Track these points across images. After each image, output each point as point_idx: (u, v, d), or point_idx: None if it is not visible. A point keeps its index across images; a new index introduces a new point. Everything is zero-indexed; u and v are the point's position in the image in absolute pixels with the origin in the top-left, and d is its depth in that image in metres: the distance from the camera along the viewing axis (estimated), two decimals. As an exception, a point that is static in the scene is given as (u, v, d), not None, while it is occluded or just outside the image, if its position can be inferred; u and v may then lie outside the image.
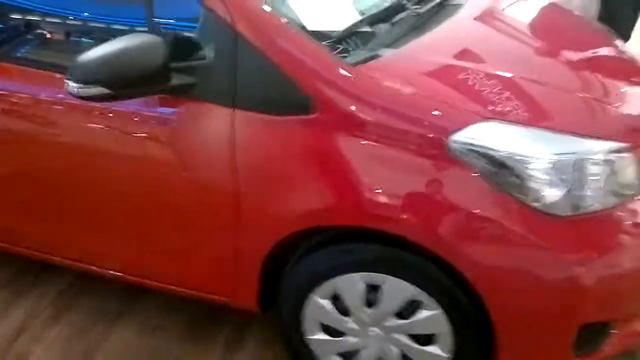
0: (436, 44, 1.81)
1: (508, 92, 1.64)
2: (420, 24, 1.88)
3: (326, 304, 1.76)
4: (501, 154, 1.47)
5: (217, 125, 1.69)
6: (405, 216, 1.53)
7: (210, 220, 1.79)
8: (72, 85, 1.56)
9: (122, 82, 1.57)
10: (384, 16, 1.88)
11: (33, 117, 1.95)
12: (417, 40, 1.79)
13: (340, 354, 1.85)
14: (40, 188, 2.07)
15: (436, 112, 1.53)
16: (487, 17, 2.13)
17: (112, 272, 2.13)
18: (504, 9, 2.25)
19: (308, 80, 1.58)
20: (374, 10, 1.92)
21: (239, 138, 1.66)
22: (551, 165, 1.47)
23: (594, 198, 1.51)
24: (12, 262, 2.49)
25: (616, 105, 1.74)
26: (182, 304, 2.21)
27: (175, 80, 1.65)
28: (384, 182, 1.55)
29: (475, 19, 2.08)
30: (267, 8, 1.64)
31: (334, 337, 1.82)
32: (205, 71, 1.66)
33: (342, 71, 1.59)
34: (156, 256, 2.02)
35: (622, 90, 1.86)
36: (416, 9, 1.94)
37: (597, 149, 1.53)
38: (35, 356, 2.14)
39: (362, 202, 1.57)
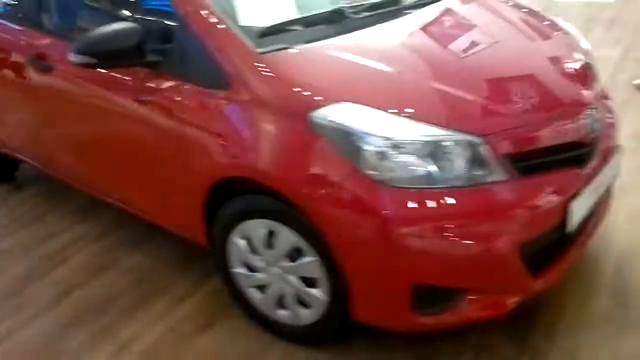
0: (344, 43, 2.17)
1: (376, 83, 1.98)
2: (350, 28, 2.26)
3: (241, 243, 2.22)
4: (347, 128, 1.84)
5: (173, 94, 2.22)
6: (275, 172, 1.96)
7: (171, 163, 2.33)
8: (71, 55, 2.21)
9: (105, 55, 2.18)
10: (314, 19, 2.29)
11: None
12: (332, 40, 2.16)
13: (257, 287, 2.31)
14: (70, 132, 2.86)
15: (305, 93, 1.93)
16: (418, 25, 2.42)
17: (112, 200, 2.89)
18: (441, 20, 2.52)
19: (227, 63, 2.06)
20: (307, 13, 2.33)
21: (185, 104, 2.19)
22: (386, 143, 1.80)
23: (418, 178, 1.81)
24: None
25: (478, 99, 1.98)
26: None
27: (149, 57, 2.22)
28: (264, 144, 1.99)
29: (404, 25, 2.38)
30: (210, 5, 2.15)
31: (250, 272, 2.28)
32: (168, 52, 2.20)
33: (248, 58, 2.04)
34: (140, 192, 2.67)
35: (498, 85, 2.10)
36: (352, 14, 2.32)
37: (421, 134, 1.82)
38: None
39: (248, 159, 2.02)
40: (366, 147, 1.82)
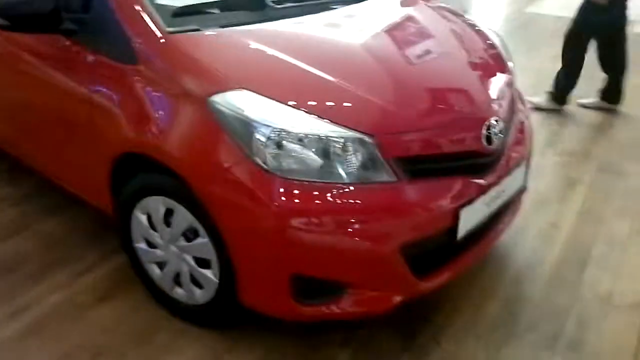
0: (258, 32, 2.19)
1: (280, 74, 2.00)
2: (269, 17, 2.28)
3: (143, 218, 2.24)
4: (241, 116, 1.86)
5: (84, 65, 2.22)
6: (171, 151, 1.97)
7: (81, 131, 2.33)
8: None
9: (18, 18, 2.17)
10: (233, 3, 2.33)
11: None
12: (246, 27, 2.19)
13: (156, 264, 2.32)
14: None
15: (206, 77, 1.95)
16: (338, 21, 2.45)
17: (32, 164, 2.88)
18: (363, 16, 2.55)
19: (136, 38, 2.07)
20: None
21: (96, 75, 2.19)
22: (277, 134, 1.83)
23: (305, 171, 1.85)
24: None
25: (376, 100, 2.00)
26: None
27: (65, 25, 2.21)
28: (163, 123, 1.99)
29: (323, 20, 2.42)
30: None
31: (150, 248, 2.30)
32: (84, 22, 2.20)
33: (156, 36, 2.05)
34: (55, 159, 2.68)
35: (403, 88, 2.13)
36: (274, 2, 2.34)
37: (313, 128, 1.85)
38: None
39: (147, 136, 2.03)
40: (257, 136, 1.84)
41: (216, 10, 2.24)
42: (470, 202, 2.08)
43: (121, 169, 2.24)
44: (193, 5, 2.20)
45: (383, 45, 2.32)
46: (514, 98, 2.49)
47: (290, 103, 1.90)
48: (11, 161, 3.27)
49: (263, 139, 1.84)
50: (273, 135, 1.84)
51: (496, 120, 2.17)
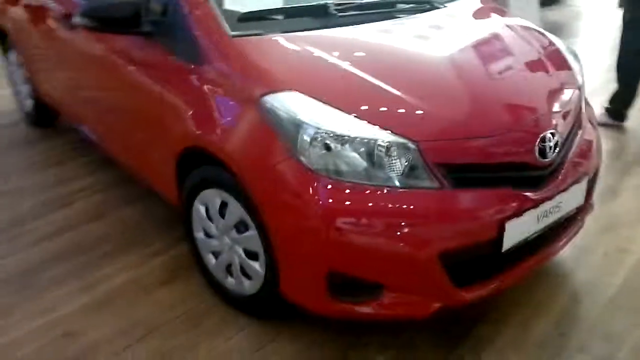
0: (317, 37, 2.27)
1: (332, 79, 2.07)
2: (330, 24, 2.36)
3: (202, 209, 2.39)
4: (289, 115, 1.95)
5: (159, 63, 2.41)
6: (225, 146, 2.09)
7: (153, 126, 2.53)
8: (76, 16, 2.43)
9: (104, 20, 2.39)
10: (297, 11, 2.44)
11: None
12: (307, 32, 2.28)
13: (212, 253, 2.46)
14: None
15: (261, 77, 2.06)
16: (399, 31, 2.48)
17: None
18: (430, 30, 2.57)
19: (203, 40, 2.22)
20: (293, 4, 2.49)
21: (167, 74, 2.37)
22: (322, 134, 1.90)
23: (349, 172, 1.90)
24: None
25: (425, 107, 2.02)
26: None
27: (144, 28, 2.41)
28: (220, 120, 2.13)
29: (385, 29, 2.45)
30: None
31: (207, 238, 2.44)
32: (161, 24, 2.39)
33: (220, 39, 2.19)
34: (130, 150, 2.91)
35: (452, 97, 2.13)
36: (337, 10, 2.41)
37: (359, 131, 1.90)
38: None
39: (206, 131, 2.17)
40: (304, 136, 1.92)
41: (280, 17, 2.36)
42: (517, 215, 2.05)
43: (186, 163, 2.41)
44: (258, 11, 2.33)
45: (441, 53, 2.34)
46: (579, 113, 2.43)
47: (338, 106, 1.97)
48: (99, 153, 3.57)
49: (309, 139, 1.92)
50: (318, 135, 1.92)
51: (552, 134, 2.13)
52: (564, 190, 2.20)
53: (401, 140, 1.93)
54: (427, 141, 1.95)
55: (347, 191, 1.91)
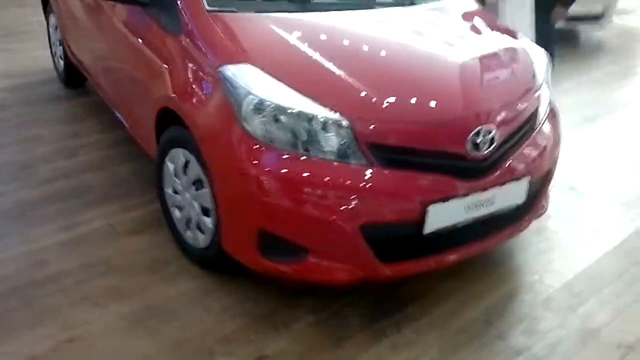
0: (285, 19, 2.49)
1: (286, 57, 2.29)
2: (305, 8, 2.55)
3: (171, 167, 2.62)
4: (237, 84, 2.16)
5: (150, 32, 2.68)
6: (186, 109, 2.33)
7: (143, 86, 2.79)
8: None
9: None
10: None
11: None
12: (278, 14, 2.48)
13: (177, 207, 2.69)
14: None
15: (222, 50, 2.29)
16: (369, 20, 2.67)
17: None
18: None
19: (183, 13, 2.47)
20: None
21: (156, 43, 2.65)
22: (258, 106, 2.11)
23: (286, 142, 2.09)
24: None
25: (366, 89, 2.20)
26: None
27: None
28: (186, 84, 2.37)
29: (354, 17, 2.66)
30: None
31: (174, 193, 2.68)
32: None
33: (196, 13, 2.43)
34: (128, 109, 3.21)
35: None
36: None
37: (297, 105, 2.10)
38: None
39: (175, 94, 2.42)
40: (247, 104, 2.13)
41: (257, -1, 2.59)
42: (442, 200, 2.19)
43: (162, 122, 2.65)
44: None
45: (399, 44, 2.49)
46: (534, 114, 2.53)
47: (285, 81, 2.17)
48: (110, 114, 3.88)
49: (252, 107, 2.12)
50: (261, 106, 2.11)
51: (489, 130, 2.25)
52: (498, 186, 2.32)
53: (336, 117, 2.10)
54: (360, 120, 2.11)
55: (281, 158, 2.10)
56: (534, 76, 2.62)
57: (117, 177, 3.32)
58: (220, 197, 2.26)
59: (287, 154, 2.10)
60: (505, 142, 2.35)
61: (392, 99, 2.20)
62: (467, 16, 3.00)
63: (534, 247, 2.93)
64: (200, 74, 2.34)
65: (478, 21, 2.94)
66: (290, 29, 2.40)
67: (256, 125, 2.12)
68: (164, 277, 2.57)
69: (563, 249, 2.95)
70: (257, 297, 2.47)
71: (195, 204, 2.51)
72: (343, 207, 2.10)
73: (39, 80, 4.73)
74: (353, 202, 2.11)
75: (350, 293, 2.48)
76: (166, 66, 2.54)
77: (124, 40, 2.97)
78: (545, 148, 2.56)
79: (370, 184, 2.12)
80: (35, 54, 5.02)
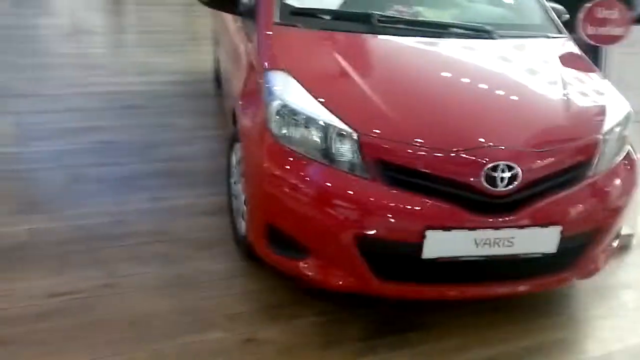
0: (341, 38, 2.69)
1: (322, 70, 2.49)
2: (367, 30, 2.68)
3: (234, 158, 2.91)
4: (268, 87, 2.39)
5: (244, 35, 3.05)
6: (237, 106, 2.64)
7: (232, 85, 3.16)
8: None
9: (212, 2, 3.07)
10: (341, 14, 2.86)
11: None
12: (336, 33, 2.68)
13: (235, 197, 2.96)
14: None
15: (269, 56, 2.54)
16: (417, 48, 2.74)
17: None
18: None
19: (258, 23, 2.78)
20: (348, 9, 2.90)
21: (243, 53, 2.98)
22: (281, 110, 2.30)
23: (300, 145, 2.25)
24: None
25: (384, 108, 2.30)
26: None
27: (239, 8, 3.02)
28: (244, 83, 2.71)
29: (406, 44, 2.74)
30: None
31: (234, 184, 2.96)
32: (246, 7, 2.96)
33: (267, 24, 2.72)
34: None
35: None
36: (378, 21, 2.73)
37: (314, 113, 2.26)
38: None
39: (238, 92, 2.76)
40: (272, 107, 2.34)
41: (326, 16, 2.78)
42: (442, 228, 2.17)
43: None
44: (307, 8, 2.80)
45: (440, 74, 2.51)
46: (584, 163, 2.37)
47: (312, 91, 2.35)
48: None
49: (275, 110, 2.33)
50: (283, 108, 2.32)
51: (509, 167, 2.17)
52: (516, 228, 2.22)
53: (347, 129, 2.22)
54: (367, 135, 2.21)
55: (292, 159, 2.28)
56: (593, 124, 2.44)
57: (218, 166, 3.71)
58: (246, 189, 2.50)
59: (300, 157, 2.27)
60: (533, 184, 2.24)
61: (406, 120, 2.26)
62: (545, 55, 2.89)
63: (590, 311, 2.69)
64: (254, 78, 2.62)
65: (552, 61, 2.82)
66: (338, 47, 2.59)
67: (276, 126, 2.32)
68: (208, 255, 2.87)
69: (622, 319, 2.66)
70: (276, 288, 2.64)
71: (242, 195, 2.77)
72: (340, 216, 2.21)
73: (199, 79, 5.41)
74: (350, 213, 2.20)
75: (363, 306, 2.54)
76: (244, 68, 2.86)
77: (230, 47, 3.38)
78: (595, 202, 2.37)
79: (369, 197, 2.19)
80: (204, 57, 5.75)
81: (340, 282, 2.31)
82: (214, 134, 4.24)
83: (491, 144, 2.23)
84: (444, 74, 2.56)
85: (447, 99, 2.42)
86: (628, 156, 2.58)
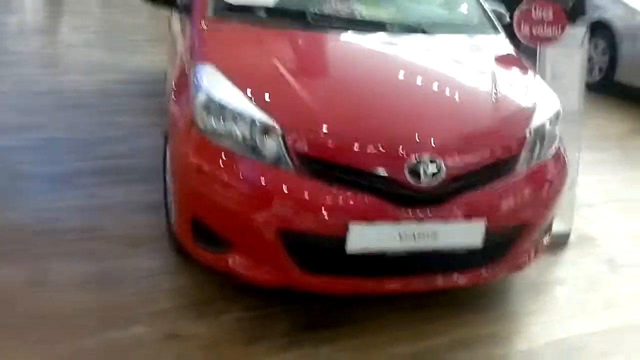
0: (271, 33, 2.70)
1: (249, 63, 2.45)
2: (299, 27, 2.70)
3: (168, 154, 2.87)
4: (195, 81, 2.36)
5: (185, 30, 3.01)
6: (171, 94, 2.65)
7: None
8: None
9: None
10: (275, 11, 2.83)
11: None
12: (268, 29, 2.70)
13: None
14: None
15: (197, 53, 2.53)
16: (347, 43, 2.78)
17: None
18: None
19: (193, 18, 2.78)
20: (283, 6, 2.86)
21: (180, 47, 2.95)
22: (207, 103, 2.27)
23: (224, 139, 2.23)
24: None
25: (309, 103, 2.30)
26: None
27: (177, 4, 3.01)
28: (178, 79, 2.68)
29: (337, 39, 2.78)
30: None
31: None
32: (185, 3, 2.95)
33: (203, 17, 2.72)
34: None
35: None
36: (312, 19, 2.74)
37: (238, 106, 2.24)
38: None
39: (172, 86, 2.74)
40: (198, 99, 2.32)
41: (261, 13, 2.78)
42: (366, 220, 2.16)
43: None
44: (244, 5, 2.80)
45: (367, 67, 2.52)
46: (512, 159, 2.38)
47: (238, 84, 2.32)
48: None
49: (200, 103, 2.31)
50: (208, 102, 2.29)
51: (432, 161, 2.18)
52: (440, 221, 2.22)
53: (271, 123, 2.20)
54: (291, 129, 2.19)
55: (217, 153, 2.25)
56: (521, 121, 2.47)
57: (159, 163, 3.65)
58: (174, 183, 2.47)
59: (225, 152, 2.24)
60: (458, 178, 2.25)
61: (330, 114, 2.25)
62: (478, 53, 2.93)
63: (524, 307, 2.71)
64: (185, 71, 2.59)
65: (485, 59, 2.85)
66: (272, 43, 2.59)
67: (204, 121, 2.29)
68: (140, 252, 2.81)
69: (552, 314, 2.68)
70: (205, 284, 2.60)
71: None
72: (263, 209, 2.18)
73: (152, 79, 5.31)
74: (273, 206, 2.18)
75: (293, 301, 2.51)
76: (176, 66, 2.84)
77: (171, 44, 3.35)
78: (521, 197, 2.39)
79: (292, 191, 2.17)
80: (160, 58, 5.67)
81: (265, 277, 2.28)
82: (159, 131, 4.18)
83: (415, 137, 2.23)
84: (373, 69, 2.56)
85: (374, 94, 2.42)
86: (557, 153, 2.61)
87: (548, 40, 2.98)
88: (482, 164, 2.31)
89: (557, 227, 3.24)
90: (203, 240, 2.35)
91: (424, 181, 2.18)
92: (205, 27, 2.66)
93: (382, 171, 2.18)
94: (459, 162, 2.25)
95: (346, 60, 2.61)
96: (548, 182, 2.49)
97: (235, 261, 2.30)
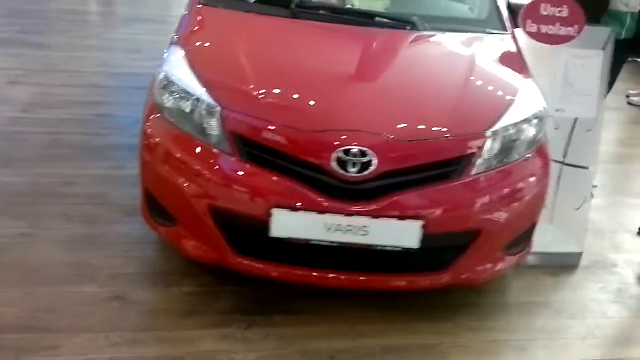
0: (252, 20, 2.73)
1: (214, 47, 2.55)
2: (283, 14, 2.72)
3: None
4: (163, 58, 2.48)
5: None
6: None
7: None
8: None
9: None
10: None
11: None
12: (251, 15, 2.74)
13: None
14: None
15: (177, 34, 2.65)
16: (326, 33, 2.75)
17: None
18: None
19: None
20: None
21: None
22: (163, 81, 2.38)
23: (174, 115, 2.33)
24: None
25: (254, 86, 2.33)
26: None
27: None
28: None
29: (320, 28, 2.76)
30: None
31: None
32: None
33: (194, 3, 2.81)
34: None
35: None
36: (296, 6, 2.73)
37: (186, 85, 2.34)
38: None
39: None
40: (158, 76, 2.45)
41: (252, 1, 2.86)
42: (289, 207, 2.15)
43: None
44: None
45: (327, 57, 2.50)
46: (462, 160, 2.25)
47: (194, 66, 2.42)
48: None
49: (158, 80, 2.44)
50: (164, 80, 2.41)
51: (362, 152, 2.11)
52: (370, 216, 2.15)
53: (212, 103, 2.27)
54: (228, 110, 2.24)
55: (167, 129, 2.37)
56: (481, 121, 2.31)
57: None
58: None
59: (173, 128, 2.34)
60: (393, 173, 2.16)
61: (268, 99, 2.27)
62: (465, 50, 2.77)
63: (482, 323, 2.53)
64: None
65: (469, 57, 2.70)
66: (245, 29, 2.65)
67: (160, 97, 2.42)
68: (131, 221, 2.97)
69: (512, 336, 2.48)
70: (171, 257, 2.72)
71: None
72: (195, 186, 2.26)
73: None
74: (204, 184, 2.25)
75: (244, 284, 2.55)
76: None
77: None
78: (472, 202, 2.23)
79: (223, 171, 2.23)
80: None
81: (202, 254, 2.36)
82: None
83: (347, 127, 2.18)
84: (334, 60, 2.53)
85: (324, 84, 2.40)
86: (535, 158, 2.40)
87: (559, 39, 2.73)
88: (422, 161, 2.20)
89: (565, 247, 2.99)
90: (155, 213, 2.48)
91: (352, 172, 2.13)
92: (195, 11, 2.78)
93: (309, 158, 2.16)
94: (393, 157, 2.16)
95: (307, 50, 2.60)
96: (510, 190, 2.30)
97: (176, 235, 2.41)
